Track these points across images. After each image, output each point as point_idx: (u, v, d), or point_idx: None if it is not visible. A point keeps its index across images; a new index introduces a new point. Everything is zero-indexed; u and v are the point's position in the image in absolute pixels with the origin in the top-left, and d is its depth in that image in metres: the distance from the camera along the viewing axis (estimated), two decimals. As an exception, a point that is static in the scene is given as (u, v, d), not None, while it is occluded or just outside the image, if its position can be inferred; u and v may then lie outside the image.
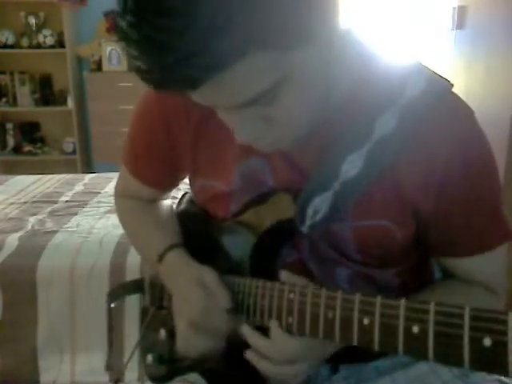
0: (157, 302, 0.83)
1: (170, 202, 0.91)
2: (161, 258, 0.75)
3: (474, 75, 2.44)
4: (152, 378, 0.82)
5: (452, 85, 0.62)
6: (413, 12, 3.21)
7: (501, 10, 2.17)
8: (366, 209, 0.64)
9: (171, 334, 0.77)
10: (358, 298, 0.52)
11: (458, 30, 2.67)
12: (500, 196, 0.66)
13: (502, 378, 0.67)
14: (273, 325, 0.60)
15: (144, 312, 0.88)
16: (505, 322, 0.41)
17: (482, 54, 2.39)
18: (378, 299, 0.50)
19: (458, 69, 2.67)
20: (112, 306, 0.91)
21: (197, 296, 0.66)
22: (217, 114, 0.68)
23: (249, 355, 0.62)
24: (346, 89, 0.62)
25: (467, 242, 0.66)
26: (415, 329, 0.47)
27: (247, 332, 0.62)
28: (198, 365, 0.74)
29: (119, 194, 0.90)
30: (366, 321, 0.51)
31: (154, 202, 0.87)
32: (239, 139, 0.57)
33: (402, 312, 0.48)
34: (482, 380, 0.68)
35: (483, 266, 0.68)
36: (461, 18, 2.63)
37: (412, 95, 0.59)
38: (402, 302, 0.49)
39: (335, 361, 0.75)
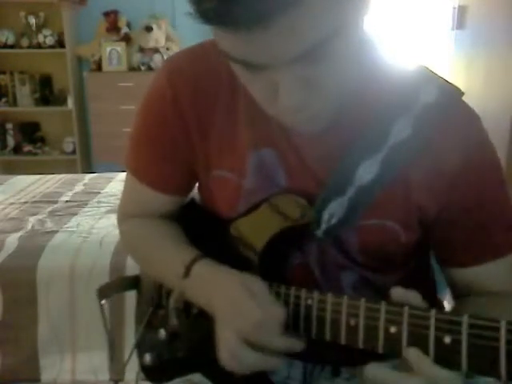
0: (155, 301, 0.82)
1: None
2: (188, 270, 0.68)
3: (474, 75, 2.44)
4: (150, 378, 0.82)
5: (463, 93, 0.63)
6: (413, 12, 3.21)
7: (501, 10, 2.17)
8: (372, 209, 0.64)
9: (172, 334, 0.76)
10: (383, 307, 0.53)
11: (458, 30, 2.67)
12: (509, 203, 0.66)
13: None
14: (413, 354, 0.51)
15: (140, 311, 0.87)
16: None
17: (482, 54, 2.39)
18: (406, 309, 0.51)
19: (458, 69, 2.67)
20: (103, 302, 0.89)
21: (251, 309, 0.59)
22: (227, 100, 0.67)
23: None
24: (358, 87, 0.62)
25: (478, 250, 0.66)
26: (447, 339, 0.48)
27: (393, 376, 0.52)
28: (198, 365, 0.74)
29: (126, 215, 0.83)
30: (392, 329, 0.52)
31: (166, 217, 0.80)
32: (283, 106, 0.55)
33: (432, 322, 0.49)
34: (485, 381, 0.68)
35: (497, 274, 0.67)
36: (461, 18, 2.63)
37: (426, 102, 0.60)
38: (433, 312, 0.50)
39: (336, 363, 0.75)
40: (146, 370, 0.82)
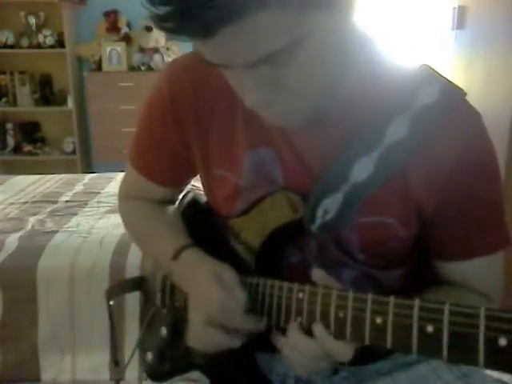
0: (158, 301, 0.83)
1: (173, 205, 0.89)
2: (177, 254, 0.73)
3: (473, 75, 2.44)
4: (152, 377, 0.82)
5: (465, 93, 0.63)
6: (413, 12, 3.21)
7: (501, 10, 2.17)
8: (371, 206, 0.64)
9: (174, 331, 0.77)
10: (370, 297, 0.53)
11: (458, 30, 2.67)
12: (502, 201, 0.67)
13: (503, 378, 0.67)
14: (317, 329, 0.57)
15: (144, 310, 0.88)
16: None
17: (482, 53, 2.39)
18: (391, 299, 0.51)
19: (458, 69, 2.67)
20: (111, 303, 0.91)
21: (215, 293, 0.64)
22: (227, 100, 0.68)
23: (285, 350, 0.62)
24: (357, 85, 0.62)
25: (467, 245, 0.67)
26: (429, 328, 0.48)
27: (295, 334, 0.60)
28: (199, 363, 0.74)
29: (124, 196, 0.88)
30: (378, 320, 0.51)
31: (162, 203, 0.84)
32: (249, 103, 0.56)
33: (415, 312, 0.49)
34: (482, 381, 0.68)
35: (482, 270, 0.68)
36: (461, 18, 2.63)
37: (425, 103, 0.60)
38: (416, 301, 0.49)
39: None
40: (147, 369, 0.83)
